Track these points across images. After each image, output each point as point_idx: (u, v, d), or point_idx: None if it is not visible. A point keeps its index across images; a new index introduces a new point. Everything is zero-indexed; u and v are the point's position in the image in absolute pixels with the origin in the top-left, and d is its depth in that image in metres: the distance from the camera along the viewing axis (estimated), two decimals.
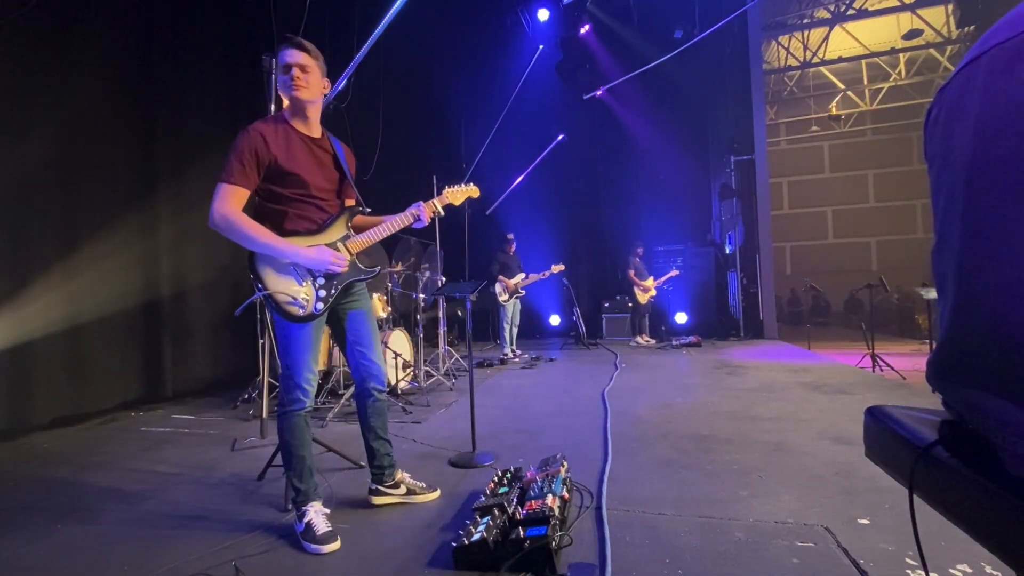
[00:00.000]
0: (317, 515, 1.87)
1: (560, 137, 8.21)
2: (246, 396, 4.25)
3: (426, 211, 2.10)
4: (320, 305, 1.91)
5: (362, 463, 2.54)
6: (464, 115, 9.95)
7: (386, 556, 1.75)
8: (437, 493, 2.24)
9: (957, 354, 0.66)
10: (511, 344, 6.73)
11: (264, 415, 3.28)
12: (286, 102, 1.94)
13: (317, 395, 4.26)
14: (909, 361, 6.46)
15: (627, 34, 9.22)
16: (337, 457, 2.71)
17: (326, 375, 4.46)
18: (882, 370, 5.68)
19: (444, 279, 5.43)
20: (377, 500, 2.15)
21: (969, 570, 1.53)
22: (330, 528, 1.84)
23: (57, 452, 3.13)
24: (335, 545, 1.80)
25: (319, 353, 1.95)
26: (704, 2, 8.63)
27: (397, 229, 2.09)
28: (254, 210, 1.90)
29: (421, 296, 5.08)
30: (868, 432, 0.84)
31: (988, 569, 1.53)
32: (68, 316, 3.68)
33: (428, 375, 4.90)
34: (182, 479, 2.59)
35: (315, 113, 1.98)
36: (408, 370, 4.69)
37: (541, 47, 9.06)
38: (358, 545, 1.84)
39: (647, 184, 9.70)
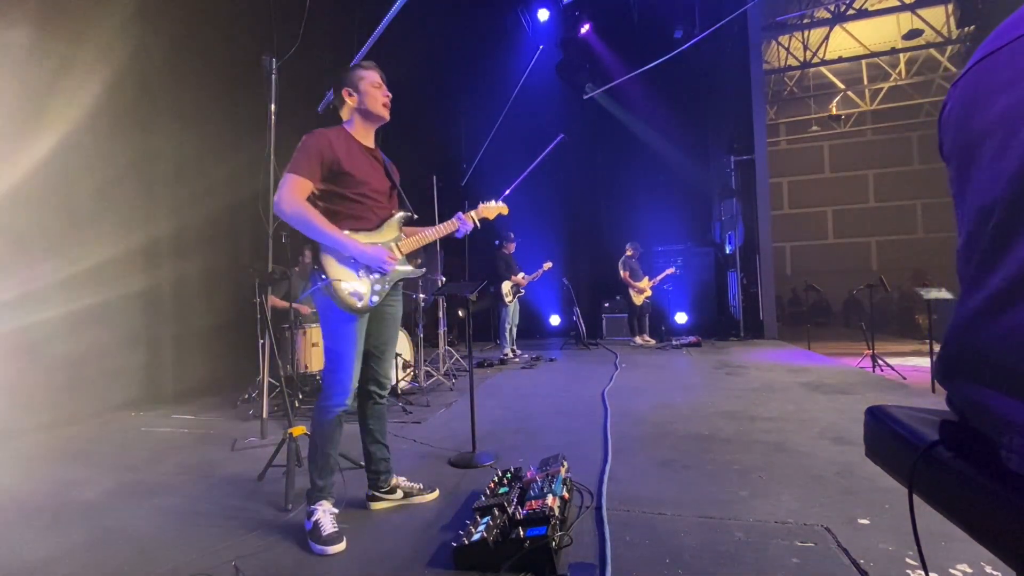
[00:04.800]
0: (325, 515, 1.88)
1: (560, 137, 8.22)
2: (246, 396, 4.25)
3: (467, 221, 2.25)
4: (375, 299, 2.00)
5: (362, 463, 2.53)
6: (464, 115, 9.94)
7: (386, 556, 1.75)
8: (436, 493, 2.25)
9: (963, 350, 0.66)
10: (511, 344, 6.73)
11: (264, 415, 3.28)
12: (345, 113, 2.09)
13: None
14: (909, 361, 6.45)
15: (627, 34, 9.22)
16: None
17: None
18: (882, 370, 5.68)
19: (444, 279, 5.43)
20: (375, 506, 2.17)
21: (969, 570, 1.53)
22: (336, 529, 1.86)
23: (57, 452, 3.13)
24: (340, 546, 1.81)
25: (361, 354, 2.02)
26: (704, 2, 8.63)
27: (443, 235, 2.23)
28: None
29: (421, 296, 5.07)
30: (868, 432, 0.84)
31: (988, 569, 1.53)
32: (68, 316, 3.68)
33: (428, 375, 4.90)
34: (182, 479, 2.59)
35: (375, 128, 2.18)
36: (408, 370, 4.69)
37: (541, 47, 9.05)
38: (358, 545, 1.84)
39: (647, 184, 9.67)
